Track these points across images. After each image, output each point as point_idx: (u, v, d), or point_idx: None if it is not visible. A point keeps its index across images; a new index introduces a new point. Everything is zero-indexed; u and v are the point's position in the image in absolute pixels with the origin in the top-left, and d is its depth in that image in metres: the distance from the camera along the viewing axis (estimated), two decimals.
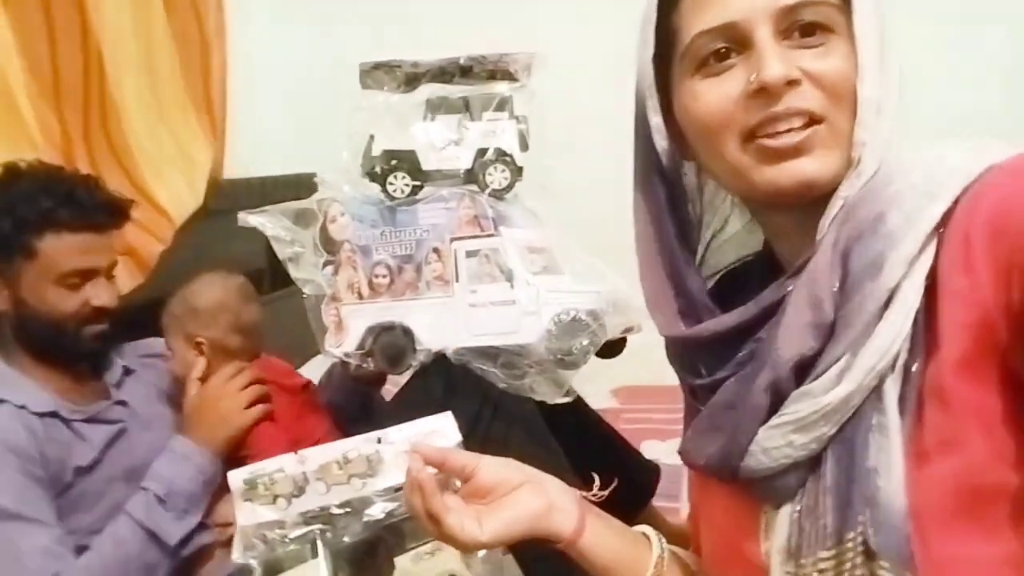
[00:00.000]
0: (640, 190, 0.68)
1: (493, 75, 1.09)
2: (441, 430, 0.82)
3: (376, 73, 1.07)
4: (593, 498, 0.76)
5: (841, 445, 0.54)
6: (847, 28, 0.56)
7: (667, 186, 0.66)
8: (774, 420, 0.56)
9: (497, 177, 1.07)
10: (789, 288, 0.57)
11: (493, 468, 0.69)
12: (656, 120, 0.64)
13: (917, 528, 0.50)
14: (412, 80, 1.08)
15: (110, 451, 1.22)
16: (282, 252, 1.05)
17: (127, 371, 1.32)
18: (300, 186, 2.19)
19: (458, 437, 0.82)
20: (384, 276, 1.06)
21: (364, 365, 1.06)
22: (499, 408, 1.05)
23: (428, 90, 1.08)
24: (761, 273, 0.65)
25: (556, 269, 1.07)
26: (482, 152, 1.07)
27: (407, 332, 1.06)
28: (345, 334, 1.06)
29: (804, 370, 0.55)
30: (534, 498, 0.67)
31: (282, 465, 0.81)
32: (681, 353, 0.67)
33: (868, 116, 0.55)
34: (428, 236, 1.06)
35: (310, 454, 0.82)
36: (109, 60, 1.62)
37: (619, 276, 1.07)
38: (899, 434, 0.51)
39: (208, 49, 1.93)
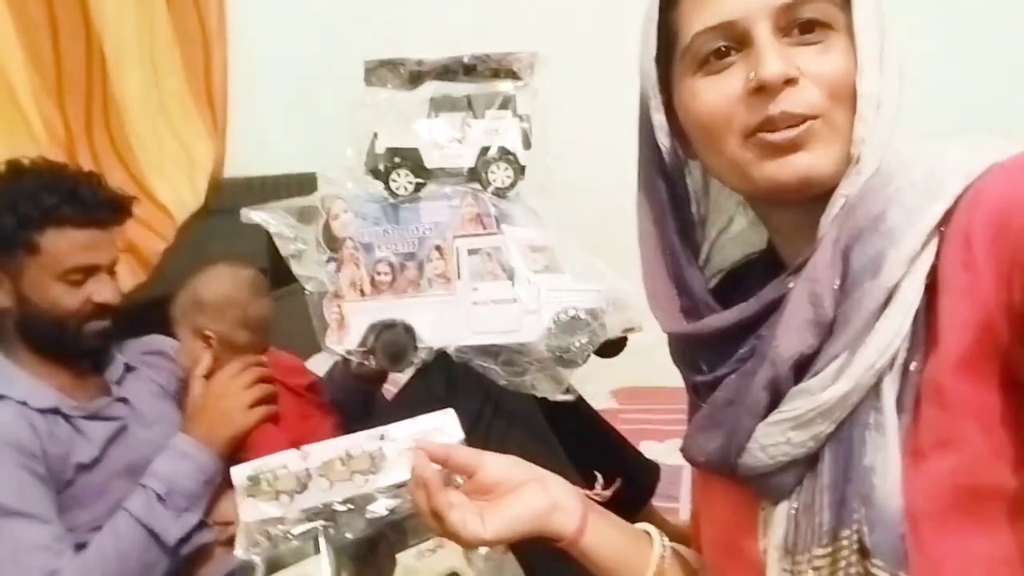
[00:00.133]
0: (643, 188, 0.68)
1: (497, 73, 1.09)
2: (443, 427, 0.83)
3: (380, 71, 1.08)
4: (596, 497, 0.76)
5: (838, 443, 0.54)
6: (847, 25, 0.56)
7: (670, 184, 0.66)
8: (772, 417, 0.56)
9: (500, 175, 1.07)
10: (790, 285, 0.57)
11: (497, 465, 0.70)
12: (659, 119, 0.64)
13: (912, 527, 0.50)
14: (416, 78, 1.09)
15: (111, 448, 1.22)
16: (285, 249, 1.06)
17: (128, 368, 1.32)
18: (301, 185, 2.20)
19: (460, 434, 0.82)
20: (386, 273, 1.06)
21: (365, 363, 1.06)
22: (500, 406, 1.05)
23: (432, 88, 1.09)
24: (764, 271, 0.65)
25: (557, 268, 1.08)
26: (485, 150, 1.07)
27: (408, 330, 1.06)
28: (347, 331, 1.06)
29: (803, 367, 0.55)
30: (537, 496, 0.68)
31: (285, 461, 0.81)
32: (683, 349, 0.67)
33: (867, 113, 0.55)
34: (430, 234, 1.06)
35: (313, 450, 0.82)
36: (111, 57, 1.62)
37: (619, 275, 1.07)
38: (896, 433, 0.51)
39: (210, 47, 1.93)
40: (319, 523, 0.80)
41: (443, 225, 1.06)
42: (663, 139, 0.65)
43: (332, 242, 1.06)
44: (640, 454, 1.36)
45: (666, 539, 0.73)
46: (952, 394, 0.50)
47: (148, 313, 1.39)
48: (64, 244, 1.16)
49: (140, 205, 1.34)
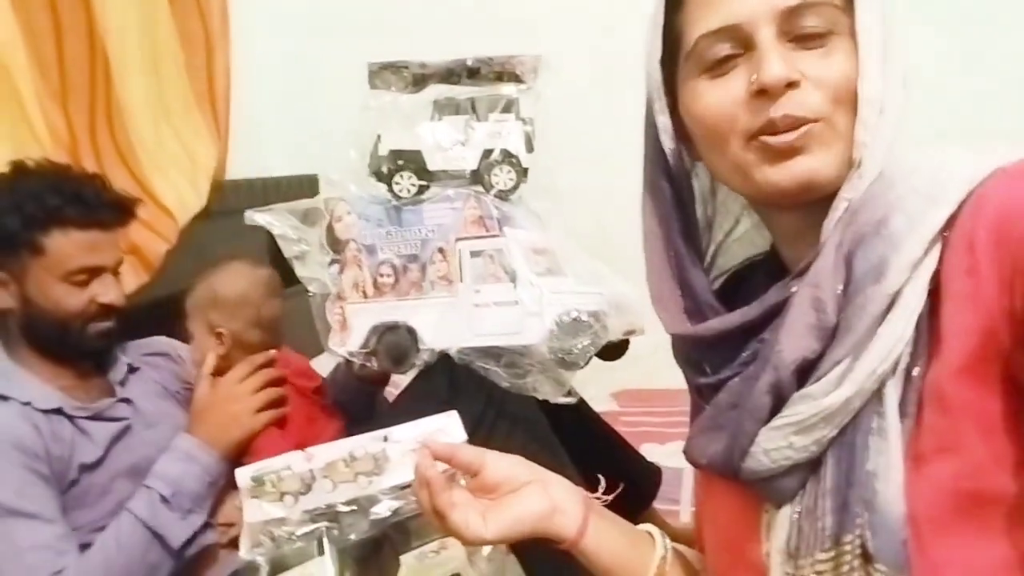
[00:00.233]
0: (648, 190, 0.68)
1: (500, 77, 1.10)
2: (446, 429, 0.83)
3: (384, 73, 1.08)
4: (598, 500, 0.76)
5: (841, 448, 0.54)
6: (850, 29, 0.56)
7: (674, 186, 0.67)
8: (775, 421, 0.56)
9: (502, 178, 1.08)
10: (793, 289, 0.57)
11: (500, 464, 0.70)
12: (664, 121, 0.65)
13: (914, 532, 0.50)
14: (420, 81, 1.09)
15: (114, 448, 1.22)
16: (288, 250, 1.06)
17: (132, 369, 1.32)
18: (303, 187, 2.22)
19: (463, 436, 0.82)
20: (389, 275, 1.06)
21: (368, 364, 1.07)
22: (503, 408, 1.06)
23: (435, 91, 1.10)
24: (767, 274, 0.66)
25: (559, 270, 1.08)
26: (488, 153, 1.08)
27: (411, 331, 1.06)
28: (349, 333, 1.07)
29: (806, 372, 0.55)
30: (538, 498, 0.68)
31: (289, 463, 0.82)
32: (686, 351, 0.67)
33: (869, 117, 0.55)
34: (433, 236, 1.06)
35: (317, 452, 0.82)
36: (115, 60, 1.62)
37: (621, 278, 1.08)
38: (899, 438, 0.51)
39: (212, 50, 1.93)
40: (323, 524, 0.81)
41: (446, 227, 1.06)
42: (667, 141, 0.65)
43: (335, 244, 1.07)
44: (642, 457, 1.36)
45: (668, 540, 0.73)
46: (954, 399, 0.50)
47: (151, 314, 1.39)
48: (68, 245, 1.16)
49: (143, 207, 1.34)
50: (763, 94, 0.55)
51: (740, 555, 0.62)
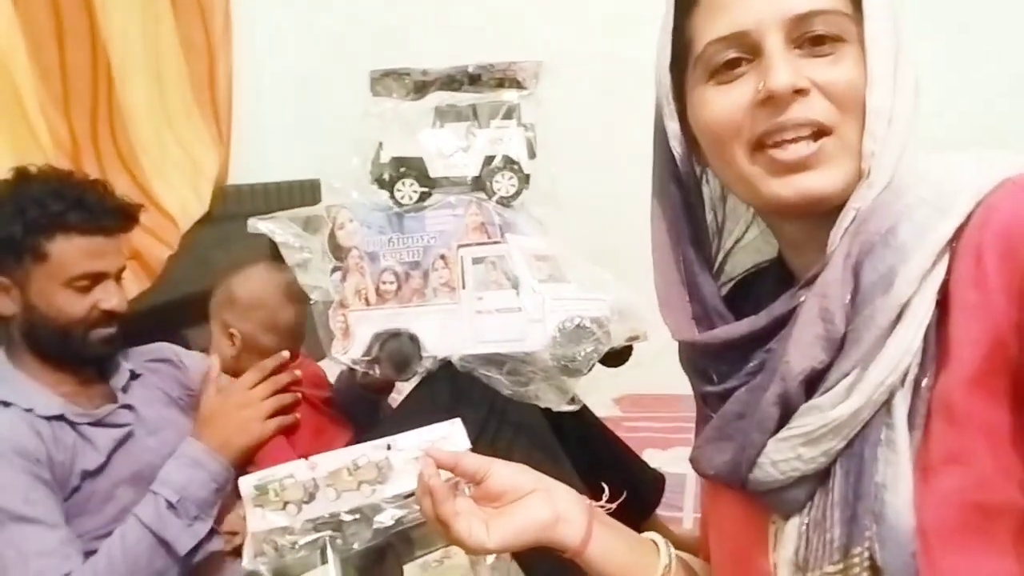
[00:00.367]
0: (657, 195, 0.68)
1: (501, 83, 1.10)
2: (450, 437, 0.83)
3: (386, 80, 1.09)
4: (602, 508, 0.76)
5: (850, 459, 0.54)
6: (859, 37, 0.56)
7: (683, 192, 0.67)
8: (783, 433, 0.56)
9: (504, 184, 1.07)
10: (800, 299, 0.57)
11: (505, 473, 0.70)
12: (673, 126, 0.65)
13: (923, 544, 0.50)
14: (421, 88, 1.10)
15: (117, 455, 1.22)
16: (291, 258, 1.06)
17: (134, 375, 1.32)
18: (305, 193, 2.22)
19: (467, 444, 0.82)
20: (391, 282, 1.06)
21: (370, 372, 1.07)
22: (505, 416, 1.05)
23: (437, 98, 1.10)
24: (774, 281, 0.66)
25: (561, 277, 1.08)
26: (489, 159, 1.08)
27: (413, 339, 1.06)
28: (352, 341, 1.06)
29: (813, 383, 0.55)
30: (542, 507, 0.68)
31: (293, 471, 0.82)
32: (693, 359, 0.67)
33: (877, 127, 0.55)
34: (435, 243, 1.06)
35: (321, 460, 0.82)
36: (117, 66, 1.63)
37: (624, 284, 1.08)
38: (908, 450, 0.51)
39: (215, 56, 1.93)
40: (326, 533, 0.80)
41: (448, 234, 1.06)
42: (677, 147, 0.65)
43: (337, 251, 1.07)
44: (645, 465, 1.36)
45: (672, 548, 0.72)
46: (962, 411, 0.50)
47: (153, 320, 1.39)
48: (71, 251, 1.16)
49: (145, 213, 1.34)
50: (770, 101, 0.55)
51: (747, 566, 0.62)
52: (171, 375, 1.38)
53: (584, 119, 2.02)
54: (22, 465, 1.09)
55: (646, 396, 2.06)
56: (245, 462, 1.18)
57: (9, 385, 1.17)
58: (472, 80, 1.09)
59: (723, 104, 0.58)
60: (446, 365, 1.06)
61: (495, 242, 1.06)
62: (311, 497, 0.81)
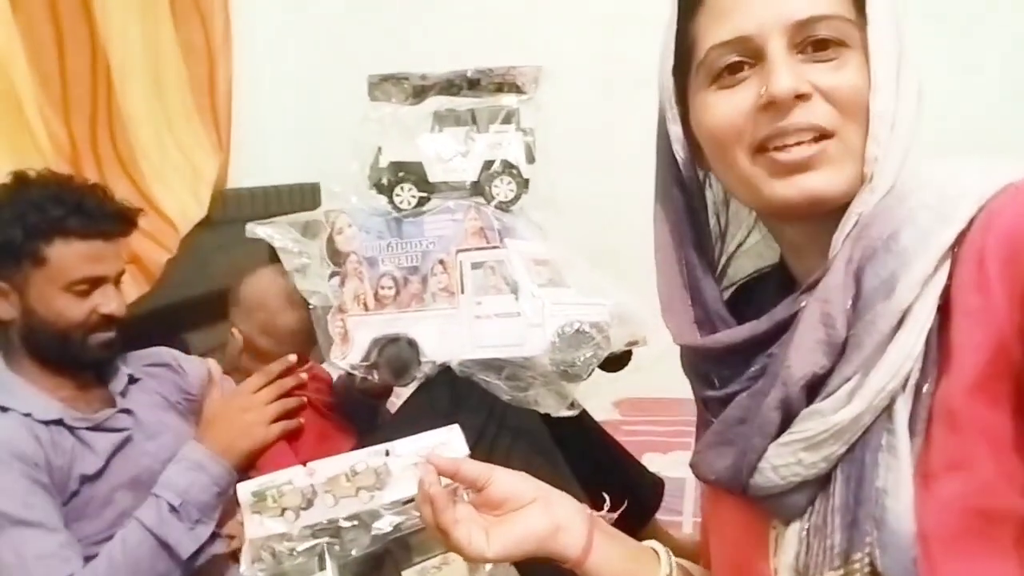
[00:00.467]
0: (660, 199, 0.68)
1: (500, 88, 1.10)
2: (449, 443, 0.83)
3: (384, 85, 1.08)
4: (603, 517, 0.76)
5: (850, 464, 0.53)
6: (862, 42, 0.56)
7: (686, 195, 0.67)
8: (784, 438, 0.56)
9: (503, 189, 1.07)
10: (802, 304, 0.57)
11: (506, 481, 0.69)
12: (675, 130, 0.65)
13: (924, 550, 0.50)
14: (420, 92, 1.09)
15: (115, 459, 1.21)
16: (289, 263, 1.06)
17: (132, 380, 1.32)
18: (305, 196, 2.22)
19: (466, 450, 0.82)
20: (390, 288, 1.06)
21: (369, 377, 1.06)
22: (504, 421, 1.05)
23: (436, 102, 1.10)
24: (775, 286, 0.66)
25: (561, 281, 1.08)
26: (488, 164, 1.07)
27: (412, 344, 1.06)
28: (351, 346, 1.06)
29: (815, 388, 0.55)
30: (542, 517, 0.67)
31: (291, 477, 0.81)
32: (695, 363, 0.67)
33: (880, 131, 0.55)
34: (434, 248, 1.06)
35: (319, 466, 0.82)
36: (117, 71, 1.62)
37: (623, 288, 1.08)
38: (909, 455, 0.51)
39: (215, 60, 1.93)
40: (324, 540, 0.80)
41: (447, 239, 1.06)
42: (679, 151, 0.65)
43: (336, 256, 1.07)
44: (645, 469, 1.35)
45: (672, 557, 0.72)
46: (964, 416, 0.50)
47: (151, 324, 1.39)
48: (70, 255, 1.16)
49: (144, 217, 1.34)
50: (772, 106, 0.55)
51: (748, 571, 0.62)
52: (170, 379, 1.38)
53: (583, 123, 2.02)
54: (21, 469, 1.09)
55: (646, 400, 2.06)
56: (248, 466, 1.18)
57: (7, 390, 1.17)
58: (471, 85, 1.09)
59: (725, 108, 0.58)
60: (445, 370, 1.06)
61: (494, 247, 1.06)
62: (309, 503, 0.81)
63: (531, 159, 1.09)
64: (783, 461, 0.56)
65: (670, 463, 1.62)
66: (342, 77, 1.33)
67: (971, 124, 1.88)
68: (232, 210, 1.89)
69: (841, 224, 0.56)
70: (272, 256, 1.11)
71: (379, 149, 1.08)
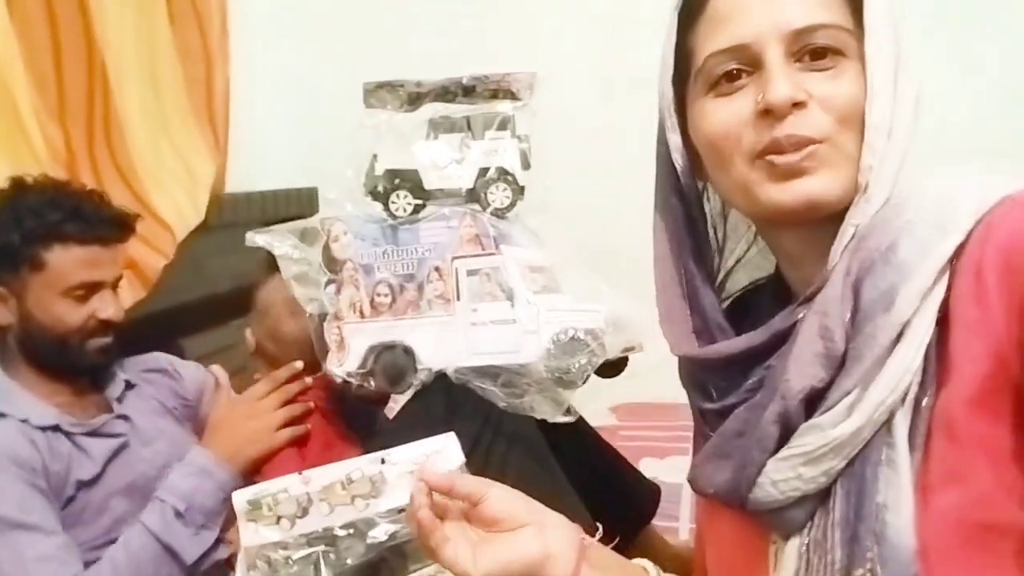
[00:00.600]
0: (659, 209, 0.68)
1: (495, 94, 1.10)
2: (444, 451, 0.82)
3: (379, 92, 1.08)
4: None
5: (850, 479, 0.53)
6: (860, 52, 0.56)
7: (685, 205, 0.67)
8: (783, 452, 0.56)
9: (498, 196, 1.07)
10: (799, 316, 0.57)
11: (501, 500, 0.68)
12: (674, 139, 0.65)
13: (924, 564, 0.50)
14: (415, 99, 1.09)
15: (111, 465, 1.22)
16: (287, 271, 1.06)
17: (129, 385, 1.32)
18: (302, 200, 2.22)
19: (461, 458, 0.82)
20: (386, 295, 1.06)
21: (365, 384, 1.06)
22: (500, 428, 1.05)
23: (431, 109, 1.09)
24: (771, 297, 0.66)
25: (556, 288, 1.08)
26: (484, 171, 1.07)
27: (408, 351, 1.06)
28: (347, 353, 1.06)
29: (813, 402, 0.55)
30: (534, 543, 0.66)
31: (286, 485, 0.81)
32: (692, 374, 0.67)
33: (876, 140, 0.55)
34: (430, 255, 1.06)
35: (314, 474, 0.82)
36: (113, 75, 1.63)
37: (619, 295, 1.08)
38: (908, 469, 0.51)
39: (212, 64, 1.93)
40: (320, 548, 0.80)
41: (442, 246, 1.06)
42: (679, 160, 0.65)
43: (332, 264, 1.07)
44: (641, 476, 1.35)
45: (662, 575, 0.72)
46: (963, 429, 0.50)
47: (148, 329, 1.39)
48: (69, 260, 1.17)
49: (141, 222, 1.34)
50: (769, 114, 0.55)
51: None
52: (166, 385, 1.38)
53: (578, 129, 2.03)
54: (18, 474, 1.10)
55: (643, 405, 2.06)
56: (254, 472, 1.18)
57: (4, 396, 1.17)
58: (466, 91, 1.09)
59: (723, 116, 0.58)
60: (441, 377, 1.06)
61: (489, 254, 1.06)
62: (305, 512, 0.81)
63: (526, 165, 1.09)
64: (782, 476, 0.56)
65: (667, 468, 1.62)
66: (339, 79, 1.33)
67: (971, 126, 1.88)
68: (229, 214, 1.90)
69: (839, 235, 0.56)
70: (270, 262, 1.11)
71: (375, 156, 1.08)
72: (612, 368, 1.10)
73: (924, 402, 0.52)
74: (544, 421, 1.05)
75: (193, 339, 1.67)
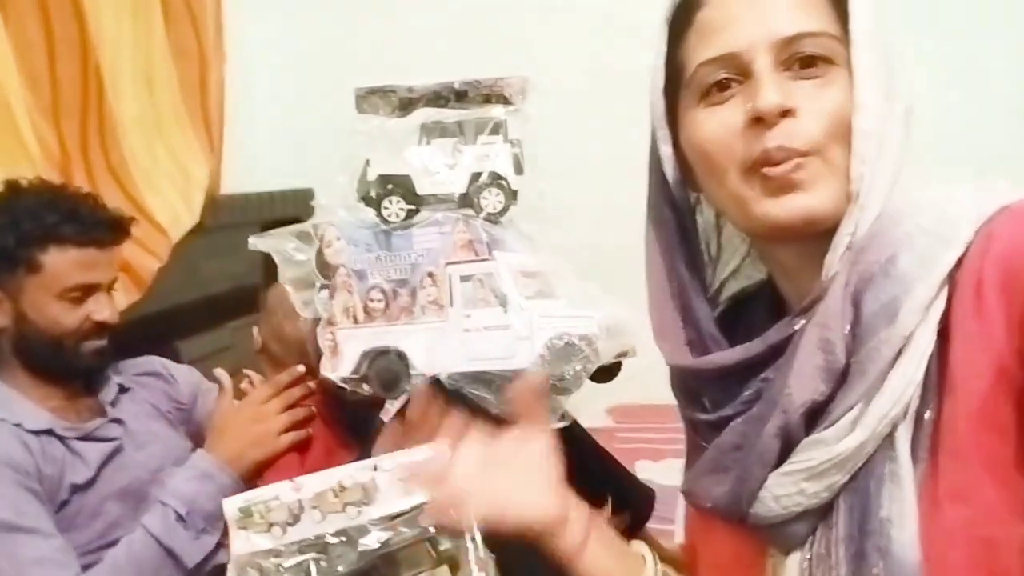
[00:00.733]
0: (652, 220, 0.68)
1: (488, 99, 1.09)
2: (438, 457, 0.83)
3: (372, 98, 1.08)
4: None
5: (854, 494, 0.53)
6: (849, 60, 0.56)
7: (678, 216, 0.67)
8: (785, 467, 0.56)
9: (492, 201, 1.07)
10: (796, 327, 0.56)
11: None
12: (666, 151, 0.65)
13: None
14: (407, 105, 1.09)
15: (106, 469, 1.22)
16: (284, 275, 1.06)
17: (122, 389, 1.33)
18: (297, 201, 2.21)
19: None
20: (379, 300, 1.06)
21: (359, 390, 1.06)
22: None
23: (423, 115, 1.09)
24: (765, 306, 0.65)
25: (550, 293, 1.07)
26: (476, 176, 1.07)
27: (402, 356, 1.05)
28: (340, 358, 1.06)
29: (814, 415, 0.55)
30: (555, 502, 0.67)
31: (278, 493, 0.81)
32: (686, 385, 0.67)
33: (865, 149, 0.54)
34: (423, 260, 1.06)
35: (306, 481, 0.82)
36: (108, 76, 1.62)
37: (613, 300, 1.07)
38: (912, 483, 0.51)
39: (207, 65, 1.93)
40: (311, 556, 0.80)
41: (435, 252, 1.06)
42: (670, 171, 0.65)
43: (325, 269, 1.06)
44: (636, 479, 1.35)
45: (658, 561, 0.72)
46: (966, 443, 0.50)
47: (143, 332, 1.39)
48: (65, 262, 1.17)
49: (136, 224, 1.34)
50: (759, 122, 0.55)
51: None
52: (160, 389, 1.38)
53: (572, 134, 2.02)
54: (12, 477, 1.10)
55: (639, 406, 2.06)
56: (256, 476, 1.18)
57: None
58: (458, 96, 1.08)
59: (713, 126, 0.58)
60: (434, 383, 1.06)
61: (483, 259, 1.05)
62: (296, 519, 0.81)
63: (519, 170, 1.09)
64: (785, 491, 0.56)
65: (663, 470, 1.62)
66: (335, 80, 1.32)
67: (972, 133, 1.88)
68: (224, 216, 1.89)
69: (833, 245, 0.56)
70: (265, 261, 1.10)
71: (367, 162, 1.07)
72: (606, 372, 1.09)
73: (926, 415, 0.52)
74: None
75: (188, 342, 1.67)
